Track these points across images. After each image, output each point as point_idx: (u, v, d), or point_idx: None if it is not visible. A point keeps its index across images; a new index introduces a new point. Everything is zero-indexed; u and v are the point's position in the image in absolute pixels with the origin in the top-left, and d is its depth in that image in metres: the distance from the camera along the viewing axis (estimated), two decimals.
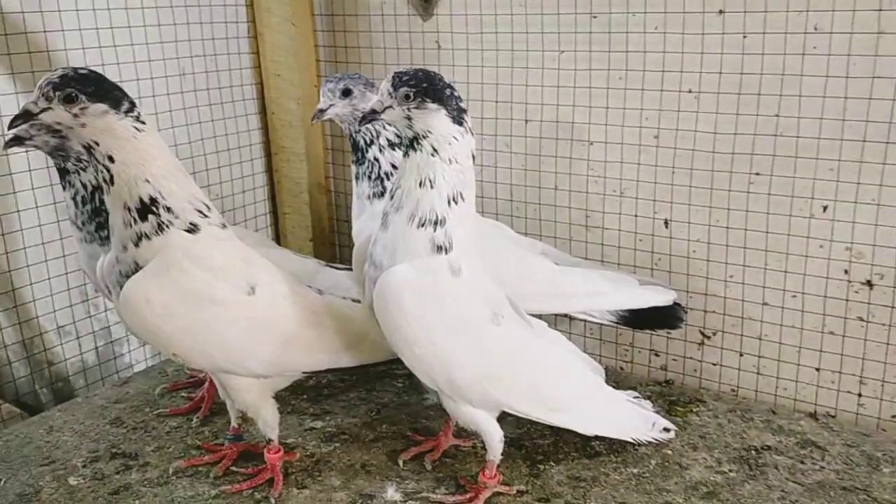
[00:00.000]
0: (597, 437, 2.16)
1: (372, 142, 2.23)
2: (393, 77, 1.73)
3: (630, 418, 2.12)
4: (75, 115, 1.68)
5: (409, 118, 1.73)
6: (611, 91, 2.51)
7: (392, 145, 2.22)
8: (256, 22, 3.01)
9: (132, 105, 1.73)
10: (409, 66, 2.82)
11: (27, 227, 2.61)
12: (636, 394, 2.22)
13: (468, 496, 1.98)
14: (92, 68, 1.76)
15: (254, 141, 3.13)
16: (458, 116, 1.75)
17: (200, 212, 1.84)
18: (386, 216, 1.82)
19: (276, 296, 1.94)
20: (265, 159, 3.19)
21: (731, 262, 2.45)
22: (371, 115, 1.75)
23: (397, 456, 2.15)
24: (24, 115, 1.70)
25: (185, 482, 2.07)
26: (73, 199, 2.13)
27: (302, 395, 2.50)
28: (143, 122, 1.74)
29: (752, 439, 2.23)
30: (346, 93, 2.21)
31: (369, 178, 2.25)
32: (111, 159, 1.74)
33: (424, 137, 1.74)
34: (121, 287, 1.82)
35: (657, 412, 2.19)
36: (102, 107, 1.69)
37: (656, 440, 2.14)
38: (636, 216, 2.57)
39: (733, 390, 2.53)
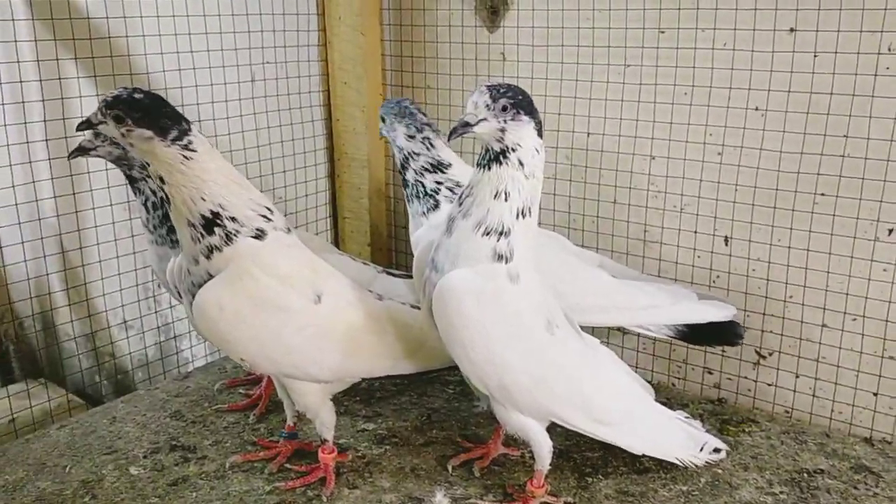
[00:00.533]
0: (645, 454, 2.15)
1: (405, 166, 2.32)
2: (490, 90, 1.74)
3: (678, 438, 2.10)
4: (123, 135, 1.73)
5: (503, 130, 1.74)
6: (676, 106, 2.50)
7: (426, 170, 2.30)
8: (326, 31, 3.09)
9: (182, 133, 1.74)
10: (473, 76, 2.89)
11: (101, 224, 2.71)
12: (686, 414, 2.20)
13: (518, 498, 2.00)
14: (151, 91, 1.78)
15: (318, 147, 3.20)
16: (540, 130, 1.78)
17: (264, 216, 1.88)
18: (452, 221, 1.84)
19: (341, 303, 1.97)
20: (328, 164, 3.26)
21: (791, 283, 2.41)
22: (463, 129, 1.75)
23: (446, 461, 2.17)
24: (87, 123, 1.78)
25: (240, 477, 2.12)
26: (144, 204, 2.21)
27: (354, 397, 2.54)
28: (194, 150, 1.75)
29: (805, 462, 2.20)
30: (382, 120, 2.35)
31: (418, 197, 2.31)
32: (162, 180, 1.78)
33: (513, 150, 1.76)
34: (193, 295, 1.88)
35: (708, 431, 2.18)
36: (147, 133, 1.71)
37: (706, 462, 2.11)
38: (696, 232, 2.55)
39: (787, 412, 2.50)
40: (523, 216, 1.80)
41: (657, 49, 2.50)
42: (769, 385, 2.52)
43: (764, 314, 2.47)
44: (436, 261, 1.87)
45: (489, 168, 1.78)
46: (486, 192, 1.78)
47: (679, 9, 2.43)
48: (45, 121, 2.53)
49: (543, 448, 1.96)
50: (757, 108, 2.37)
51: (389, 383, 2.62)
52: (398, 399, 2.54)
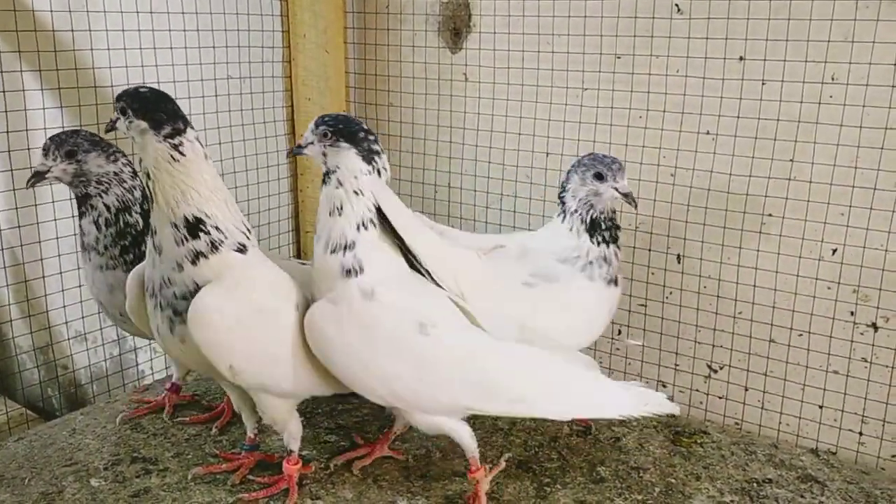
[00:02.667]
0: (602, 464, 2.23)
1: None
2: (318, 118, 1.92)
3: (616, 397, 2.03)
4: (127, 128, 1.81)
5: (324, 154, 1.91)
6: (631, 129, 2.59)
7: None
8: (291, 48, 3.12)
9: (175, 132, 1.78)
10: (436, 96, 2.95)
11: (62, 235, 2.70)
12: (639, 383, 2.16)
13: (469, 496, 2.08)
14: (159, 89, 1.85)
15: (281, 161, 3.22)
16: (367, 156, 1.90)
17: (244, 233, 1.92)
18: (314, 249, 1.96)
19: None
20: (291, 179, 3.29)
21: (740, 300, 2.51)
22: (297, 149, 1.96)
23: (409, 472, 2.21)
24: (110, 123, 1.86)
25: (202, 488, 2.13)
26: (95, 222, 2.18)
27: (317, 409, 2.56)
28: (183, 154, 1.79)
29: (754, 472, 2.28)
30: None
31: None
32: (148, 175, 1.81)
33: (333, 172, 1.90)
34: (173, 310, 1.89)
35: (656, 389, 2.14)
36: (143, 124, 1.78)
37: (653, 414, 2.05)
38: (650, 250, 2.64)
39: (737, 424, 2.59)
40: (365, 228, 1.90)
41: (613, 74, 2.59)
42: (720, 398, 2.61)
43: (714, 329, 2.57)
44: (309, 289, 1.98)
45: (322, 189, 1.93)
46: (324, 211, 1.92)
47: (634, 36, 2.53)
48: (7, 132, 2.52)
49: (464, 436, 2.01)
50: (708, 133, 2.47)
51: (351, 395, 2.64)
52: (360, 412, 2.57)
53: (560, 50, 2.67)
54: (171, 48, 2.74)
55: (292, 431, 2.09)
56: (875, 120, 2.21)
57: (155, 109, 1.78)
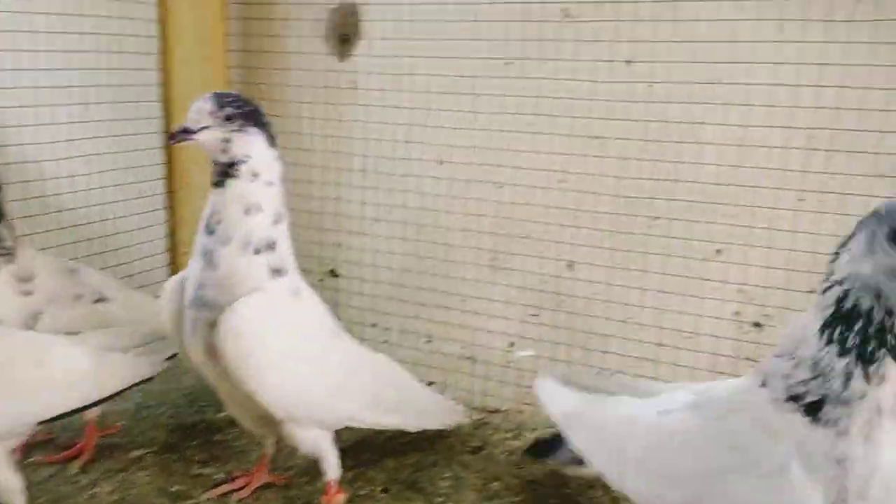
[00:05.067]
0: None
1: None
2: (216, 96, 1.71)
3: (443, 408, 2.27)
4: None
5: (227, 140, 1.69)
6: (522, 135, 2.58)
7: None
8: (167, 55, 2.94)
9: None
10: (323, 105, 2.86)
11: None
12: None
13: None
14: None
15: (155, 176, 3.02)
16: (273, 141, 1.77)
17: None
18: (210, 253, 1.75)
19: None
20: (167, 196, 3.09)
21: (630, 304, 2.51)
22: (182, 134, 1.71)
23: (291, 500, 2.09)
24: None
25: None
26: None
27: (190, 441, 2.39)
28: None
29: None
30: None
31: None
32: None
33: (244, 162, 1.71)
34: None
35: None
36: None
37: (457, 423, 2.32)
38: (541, 258, 2.62)
39: None
40: (280, 222, 1.78)
41: (504, 79, 2.56)
42: None
43: (606, 335, 2.55)
44: (203, 297, 1.76)
45: (224, 185, 1.72)
46: (236, 211, 1.73)
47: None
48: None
49: (334, 457, 1.94)
50: (597, 137, 2.46)
51: None
52: (238, 442, 2.35)
53: (451, 55, 2.63)
54: (36, 51, 2.53)
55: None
56: (759, 119, 2.24)
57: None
